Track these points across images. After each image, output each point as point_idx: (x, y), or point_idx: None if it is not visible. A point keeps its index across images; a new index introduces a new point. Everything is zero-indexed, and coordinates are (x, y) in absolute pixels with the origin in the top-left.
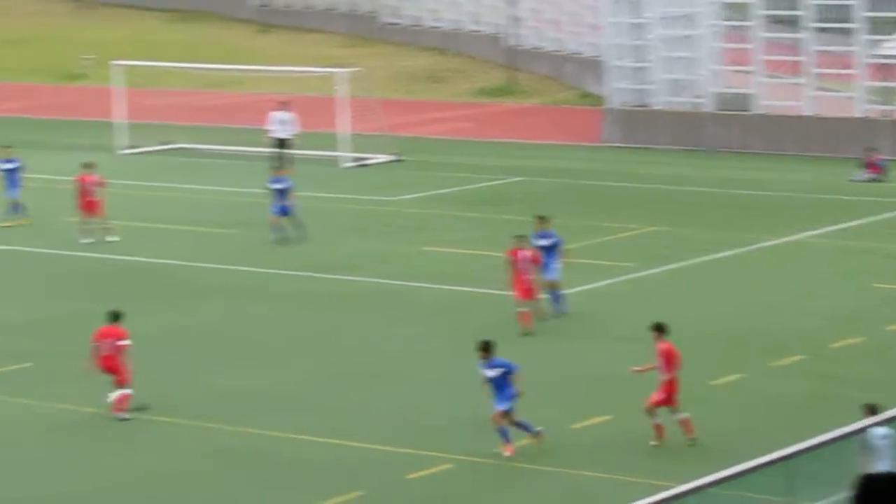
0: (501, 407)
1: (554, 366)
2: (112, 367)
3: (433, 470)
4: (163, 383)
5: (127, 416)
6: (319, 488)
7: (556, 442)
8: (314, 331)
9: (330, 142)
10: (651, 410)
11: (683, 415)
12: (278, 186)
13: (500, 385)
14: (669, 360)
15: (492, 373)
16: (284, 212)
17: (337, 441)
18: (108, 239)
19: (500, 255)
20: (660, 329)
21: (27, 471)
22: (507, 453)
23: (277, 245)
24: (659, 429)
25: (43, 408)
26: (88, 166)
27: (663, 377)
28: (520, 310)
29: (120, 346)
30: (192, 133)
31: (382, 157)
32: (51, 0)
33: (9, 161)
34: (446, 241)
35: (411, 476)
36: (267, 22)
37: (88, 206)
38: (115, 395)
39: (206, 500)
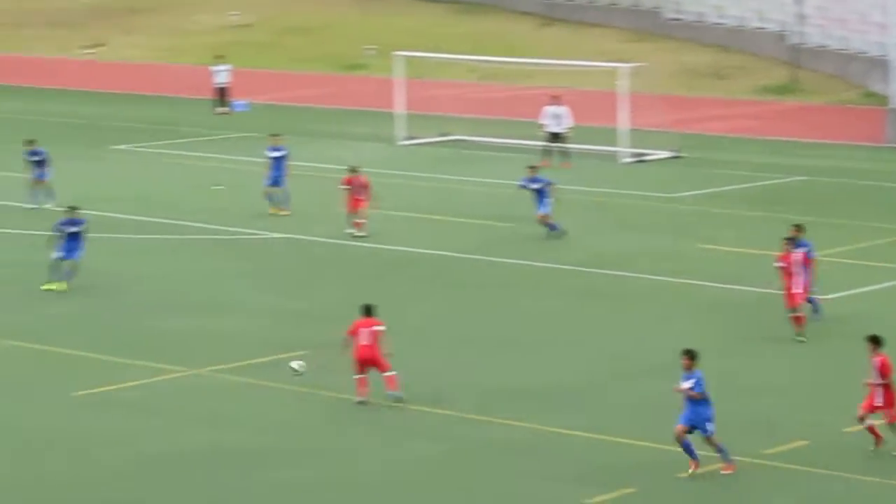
0: (682, 423)
1: (827, 368)
2: (372, 356)
3: (704, 469)
4: (433, 374)
5: (401, 393)
6: (590, 484)
7: (829, 444)
8: (587, 326)
9: (609, 137)
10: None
11: (874, 421)
12: (535, 186)
13: (692, 399)
14: (885, 372)
15: (686, 384)
16: (545, 209)
17: (609, 438)
18: (357, 234)
19: (778, 255)
20: (875, 342)
21: (300, 458)
22: (691, 469)
23: (552, 240)
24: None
25: (316, 396)
26: (354, 170)
27: (877, 382)
28: (792, 315)
29: (376, 333)
30: (471, 125)
31: (662, 154)
32: None
33: (276, 149)
34: (724, 240)
35: (683, 475)
36: (550, 15)
37: (355, 204)
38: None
39: (475, 490)
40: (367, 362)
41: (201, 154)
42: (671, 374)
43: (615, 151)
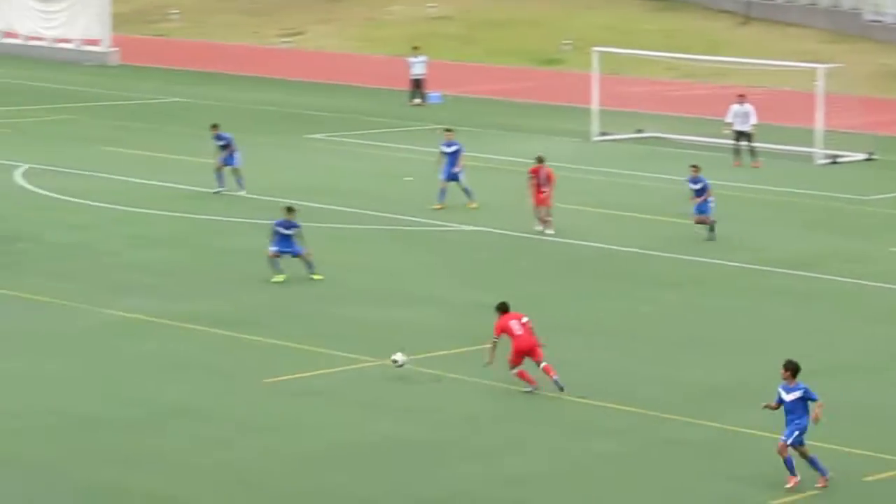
0: (787, 440)
1: None
2: (530, 345)
3: (892, 473)
4: (618, 371)
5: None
6: (775, 486)
7: None
8: (773, 325)
9: (805, 137)
10: None
11: None
12: (696, 187)
13: (796, 410)
14: None
15: (790, 396)
16: (702, 210)
17: None
18: (547, 231)
19: None
20: None
21: (481, 452)
22: (789, 485)
23: (708, 241)
24: None
25: (501, 389)
26: (540, 160)
27: None
28: None
29: (527, 323)
30: (666, 122)
31: (856, 156)
32: None
33: (450, 144)
34: None
35: (869, 478)
36: (748, 14)
37: (539, 195)
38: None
39: (658, 488)
40: (526, 352)
41: (394, 145)
42: (857, 375)
43: (810, 152)
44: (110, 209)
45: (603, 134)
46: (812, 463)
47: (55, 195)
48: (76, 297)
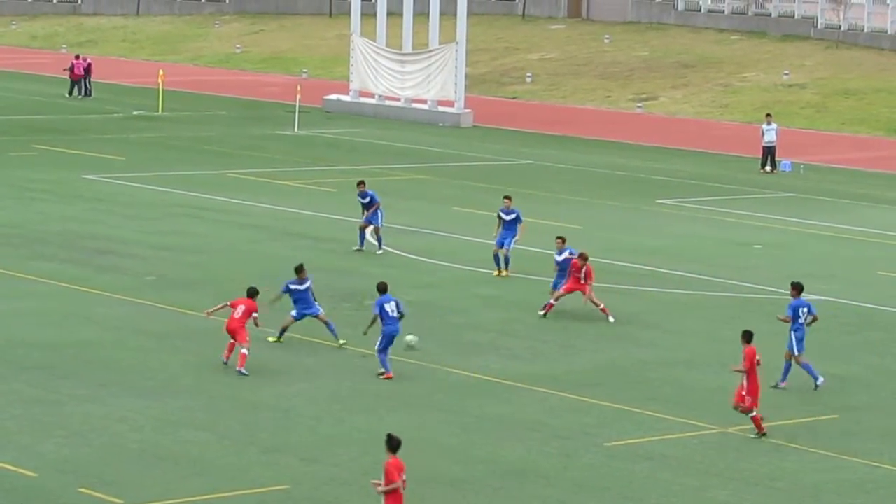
0: None
1: None
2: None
3: None
4: None
5: None
6: None
7: None
8: None
9: None
10: None
11: None
12: None
13: None
14: None
15: None
16: None
17: None
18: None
19: None
20: None
21: None
22: None
23: None
24: None
25: (844, 462)
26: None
27: None
28: None
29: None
30: None
31: None
32: None
33: (509, 212)
34: None
35: None
36: None
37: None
38: None
39: None
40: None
41: (743, 212)
42: None
43: None
44: (457, 269)
45: None
46: None
47: (402, 253)
48: (423, 356)
